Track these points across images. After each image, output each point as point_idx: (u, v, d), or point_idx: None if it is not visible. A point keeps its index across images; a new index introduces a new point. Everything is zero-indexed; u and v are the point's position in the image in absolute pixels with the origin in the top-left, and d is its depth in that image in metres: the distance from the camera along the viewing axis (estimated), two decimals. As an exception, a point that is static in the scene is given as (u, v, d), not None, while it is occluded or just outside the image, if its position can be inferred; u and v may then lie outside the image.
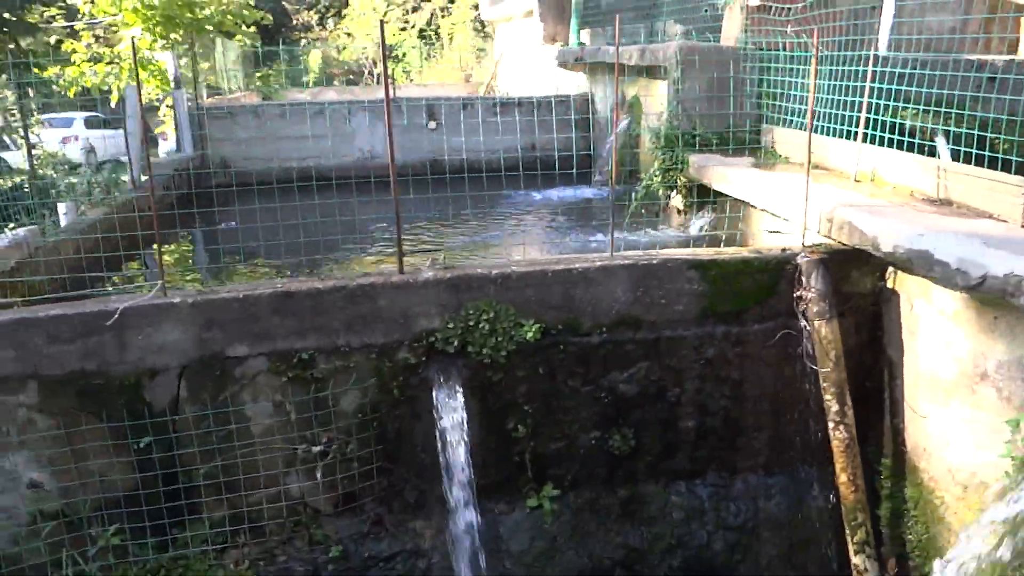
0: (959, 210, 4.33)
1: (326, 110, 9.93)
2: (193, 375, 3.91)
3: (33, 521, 3.92)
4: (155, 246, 4.09)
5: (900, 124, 4.96)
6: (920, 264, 3.71)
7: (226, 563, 4.06)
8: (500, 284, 4.08)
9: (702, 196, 6.35)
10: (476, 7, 18.62)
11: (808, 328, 4.28)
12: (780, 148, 6.17)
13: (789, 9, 6.41)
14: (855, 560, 4.28)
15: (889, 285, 4.35)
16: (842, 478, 4.27)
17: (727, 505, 4.50)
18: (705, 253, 4.35)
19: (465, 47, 19.09)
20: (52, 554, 3.91)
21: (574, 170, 8.14)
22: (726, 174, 5.62)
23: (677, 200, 6.69)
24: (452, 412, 3.99)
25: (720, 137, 6.47)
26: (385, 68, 4.19)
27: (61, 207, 5.97)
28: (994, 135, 4.41)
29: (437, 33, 20.86)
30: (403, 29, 21.85)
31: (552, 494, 4.30)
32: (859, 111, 5.07)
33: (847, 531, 4.30)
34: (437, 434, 4.03)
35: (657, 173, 6.55)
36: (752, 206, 5.47)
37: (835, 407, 4.25)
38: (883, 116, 5.04)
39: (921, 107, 4.90)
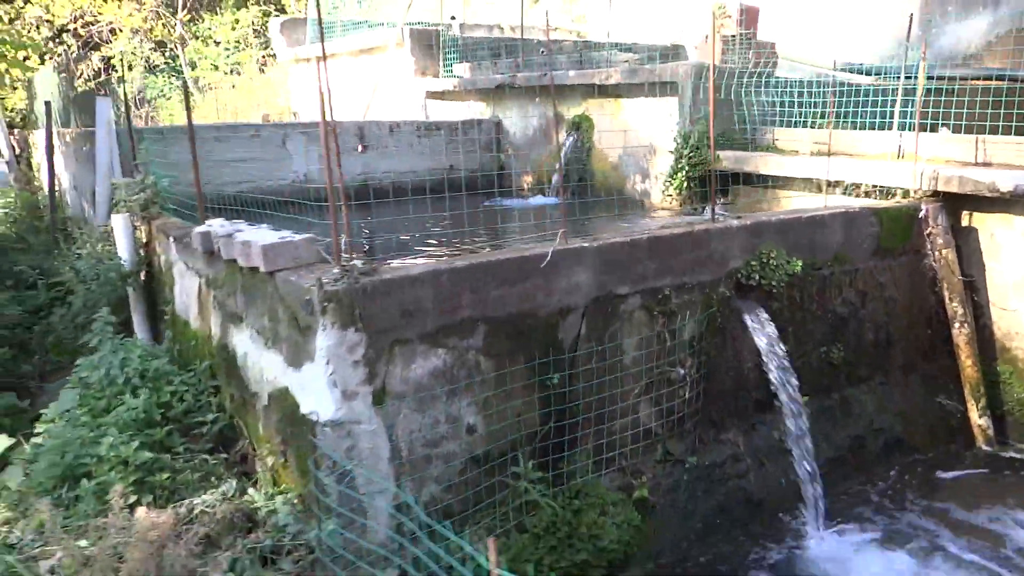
0: (1007, 166, 6.21)
1: (262, 133, 9.68)
2: (592, 313, 4.35)
3: (464, 467, 4.03)
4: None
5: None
6: (1039, 195, 5.47)
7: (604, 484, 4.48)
8: (776, 229, 5.09)
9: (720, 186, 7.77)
10: (265, 47, 18.44)
11: (935, 255, 5.89)
12: (782, 144, 7.83)
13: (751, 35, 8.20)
14: (979, 421, 5.93)
15: (964, 224, 6.12)
16: (967, 363, 5.91)
17: (890, 399, 5.89)
18: (874, 204, 5.77)
19: (263, 86, 18.72)
20: (478, 499, 4.04)
21: (497, 189, 9.00)
22: (781, 162, 7.10)
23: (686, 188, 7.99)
24: (765, 331, 4.89)
25: (725, 139, 7.96)
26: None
27: None
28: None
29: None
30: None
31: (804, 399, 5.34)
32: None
33: (970, 402, 5.94)
34: (753, 353, 4.89)
35: (684, 168, 7.83)
36: (776, 187, 7.05)
37: (960, 311, 5.89)
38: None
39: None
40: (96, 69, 19.98)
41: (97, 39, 23.41)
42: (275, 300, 4.01)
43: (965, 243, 6.09)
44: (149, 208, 6.37)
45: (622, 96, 9.06)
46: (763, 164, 7.26)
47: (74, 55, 18.99)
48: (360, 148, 10.36)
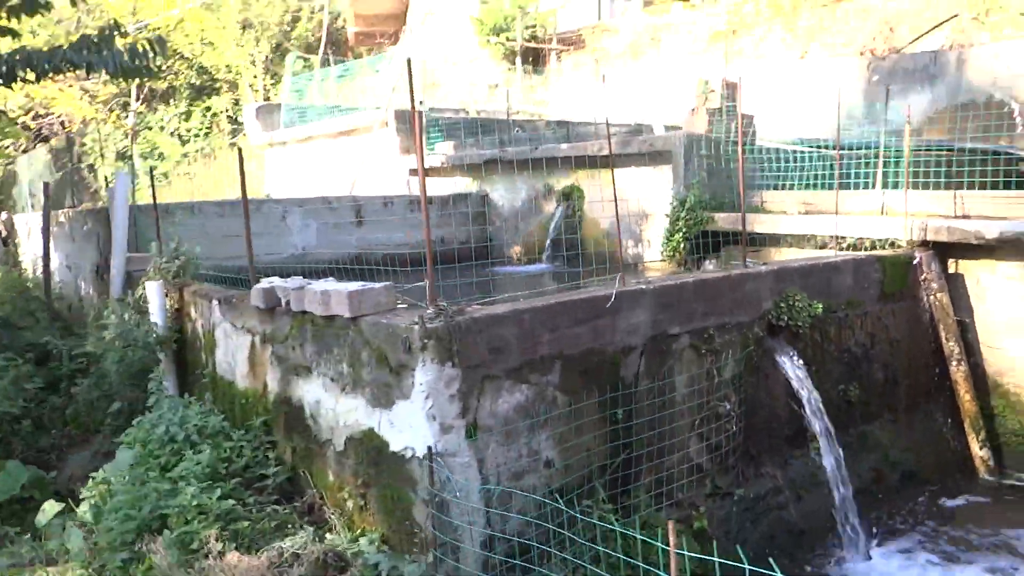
0: (988, 217, 6.77)
1: (263, 208, 9.91)
2: (649, 351, 4.65)
3: (543, 500, 4.21)
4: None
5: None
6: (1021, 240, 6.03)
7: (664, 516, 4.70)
8: (798, 275, 5.52)
9: (710, 247, 8.26)
10: (233, 134, 18.80)
11: (931, 299, 6.38)
12: (770, 206, 8.38)
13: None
14: (979, 453, 6.34)
15: (952, 271, 6.66)
16: (965, 398, 6.36)
17: (901, 434, 6.27)
18: (877, 253, 6.27)
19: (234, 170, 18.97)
20: (557, 532, 4.21)
21: (490, 259, 9.39)
22: (777, 221, 7.63)
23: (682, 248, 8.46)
24: (797, 370, 5.25)
25: (716, 202, 8.49)
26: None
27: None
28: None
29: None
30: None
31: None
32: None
33: (970, 435, 6.35)
34: (785, 390, 5.23)
35: (681, 229, 8.31)
36: (767, 244, 7.57)
37: (956, 350, 6.37)
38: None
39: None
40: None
41: (47, 131, 23.51)
42: (358, 344, 4.21)
43: (954, 288, 6.61)
44: (180, 276, 6.50)
45: (611, 167, 9.56)
46: (759, 223, 7.76)
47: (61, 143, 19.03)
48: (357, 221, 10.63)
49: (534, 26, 24.11)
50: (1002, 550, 5.25)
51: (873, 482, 5.84)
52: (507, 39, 23.58)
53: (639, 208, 9.27)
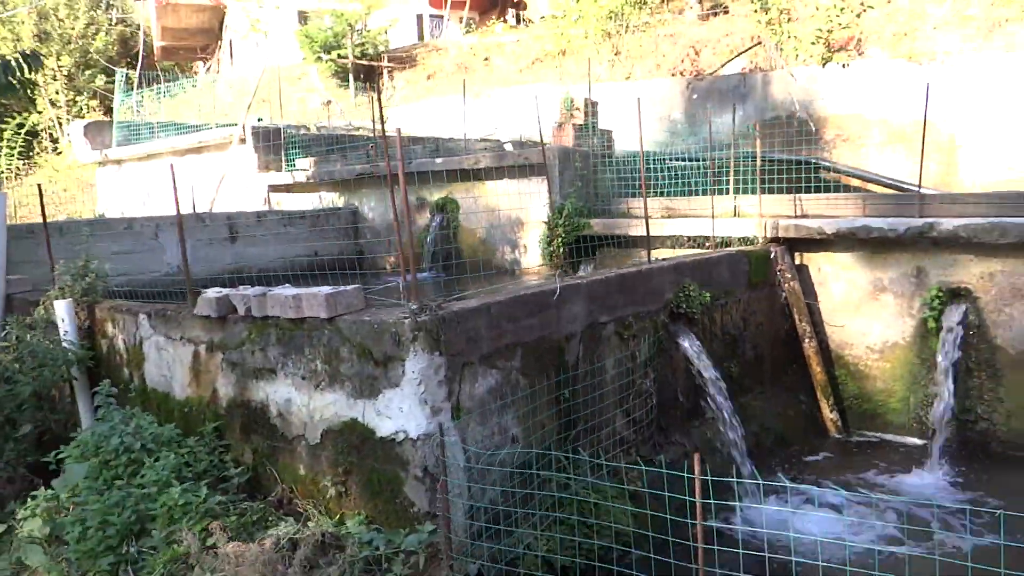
0: (822, 216, 8.00)
1: (134, 226, 9.65)
2: (586, 338, 5.29)
3: (510, 474, 4.72)
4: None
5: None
6: (855, 233, 7.24)
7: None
8: (691, 268, 6.37)
9: (584, 251, 9.10)
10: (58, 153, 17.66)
11: (785, 286, 7.50)
12: (635, 211, 9.31)
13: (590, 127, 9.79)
14: (830, 416, 7.51)
15: (799, 261, 7.83)
16: (816, 370, 7.51)
17: (769, 403, 7.31)
18: (743, 248, 7.28)
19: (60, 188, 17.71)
20: (525, 500, 4.74)
21: (361, 271, 9.77)
22: (655, 225, 8.53)
23: (560, 253, 9.23)
24: (696, 349, 6.09)
25: (587, 209, 9.32)
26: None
27: None
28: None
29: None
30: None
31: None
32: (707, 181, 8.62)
33: (821, 400, 7.52)
34: (687, 368, 6.06)
35: (560, 235, 9.06)
36: (635, 246, 8.51)
37: (808, 329, 7.51)
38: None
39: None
40: None
41: None
42: (336, 342, 4.53)
43: (802, 276, 7.78)
44: (89, 295, 6.39)
45: (486, 179, 10.20)
46: (630, 227, 8.66)
47: None
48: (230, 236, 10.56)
49: (364, 44, 24.38)
50: (846, 487, 6.34)
51: (755, 445, 6.79)
52: (339, 56, 23.70)
53: (516, 217, 9.95)
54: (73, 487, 4.85)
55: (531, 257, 9.80)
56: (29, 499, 5.05)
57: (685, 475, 3.36)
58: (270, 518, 4.61)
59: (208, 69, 33.41)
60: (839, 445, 7.47)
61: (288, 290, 4.83)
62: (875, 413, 7.52)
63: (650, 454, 5.77)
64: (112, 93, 22.66)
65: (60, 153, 21.05)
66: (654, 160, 10.48)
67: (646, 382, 5.71)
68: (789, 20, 16.13)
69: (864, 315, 7.48)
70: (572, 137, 9.71)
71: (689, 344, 6.07)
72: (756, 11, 16.33)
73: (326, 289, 4.64)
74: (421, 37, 30.21)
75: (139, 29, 28.92)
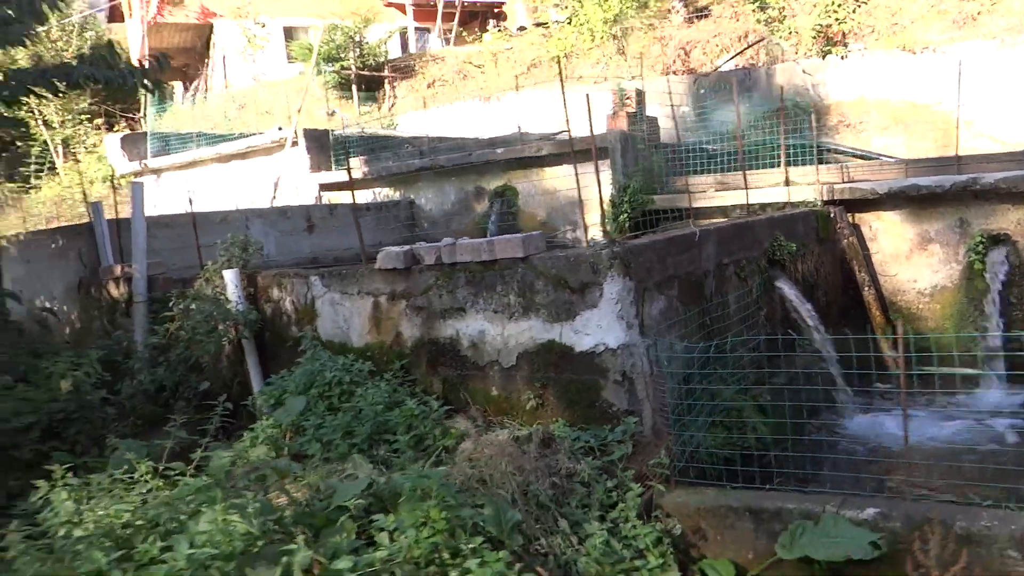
0: (871, 179, 9.04)
1: (229, 218, 10.36)
2: (716, 275, 6.21)
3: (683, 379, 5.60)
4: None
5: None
6: (905, 191, 8.28)
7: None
8: (780, 222, 7.34)
9: (646, 224, 10.04)
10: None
11: (845, 242, 8.51)
12: (692, 188, 10.28)
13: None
14: (889, 352, 8.52)
15: (851, 221, 8.85)
16: (876, 313, 8.52)
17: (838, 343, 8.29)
18: (812, 208, 8.28)
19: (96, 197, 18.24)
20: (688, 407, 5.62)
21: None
22: (713, 196, 9.52)
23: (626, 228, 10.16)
24: (793, 289, 7.05)
25: (648, 188, 10.27)
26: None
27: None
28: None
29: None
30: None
31: (804, 341, 7.52)
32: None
33: (881, 340, 8.52)
34: (780, 305, 7.01)
35: (626, 211, 9.99)
36: (697, 217, 9.48)
37: (866, 279, 8.52)
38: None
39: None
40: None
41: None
42: (530, 277, 5.38)
43: (856, 233, 8.80)
44: (249, 264, 7.16)
45: (545, 166, 11.10)
46: (691, 200, 9.61)
47: None
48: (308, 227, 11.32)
49: (365, 55, 25.18)
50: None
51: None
52: (341, 67, 24.45)
53: (575, 198, 10.85)
54: (296, 416, 5.63)
55: (592, 234, 10.70)
56: (246, 432, 5.80)
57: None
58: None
59: (193, 87, 33.83)
60: (896, 379, 8.46)
61: (477, 240, 5.68)
62: (929, 349, 8.53)
63: (762, 379, 6.69)
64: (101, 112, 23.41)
65: (79, 162, 21.59)
66: (682, 147, 11.53)
67: (760, 315, 6.64)
68: (785, 18, 17.30)
69: (914, 264, 8.51)
70: (626, 124, 10.66)
71: (785, 285, 7.02)
72: (754, 10, 17.46)
73: (517, 235, 5.50)
74: (405, 49, 31.06)
75: (116, 50, 29.30)
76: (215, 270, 7.13)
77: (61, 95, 8.37)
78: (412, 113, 22.74)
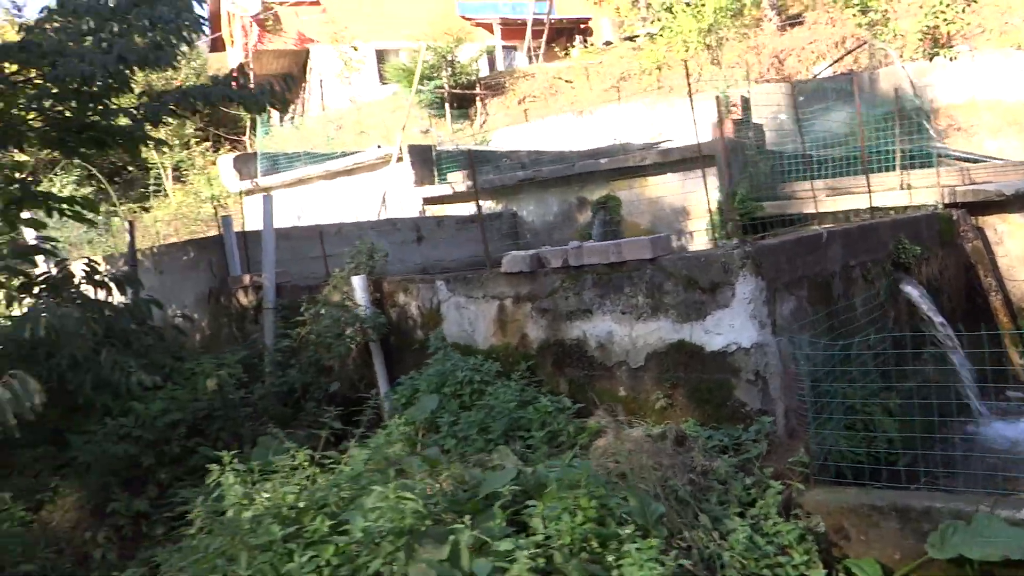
0: (993, 181, 8.76)
1: (343, 230, 10.76)
2: (843, 277, 6.16)
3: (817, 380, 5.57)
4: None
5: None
6: (1033, 194, 8.01)
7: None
8: (903, 225, 7.21)
9: (755, 230, 9.96)
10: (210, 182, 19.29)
11: (969, 246, 8.27)
12: (800, 195, 10.17)
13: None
14: (1019, 361, 8.22)
15: (973, 223, 8.60)
16: (1003, 320, 8.24)
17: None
18: (936, 212, 8.09)
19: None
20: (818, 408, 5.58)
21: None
22: (824, 202, 9.40)
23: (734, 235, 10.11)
24: (918, 293, 6.91)
25: (754, 195, 10.21)
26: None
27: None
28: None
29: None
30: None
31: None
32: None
33: (1010, 348, 8.23)
34: (906, 308, 6.88)
35: (736, 218, 9.95)
36: (801, 224, 9.35)
37: (993, 283, 8.26)
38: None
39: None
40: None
41: None
42: (659, 278, 5.46)
43: (979, 237, 8.55)
44: (375, 270, 7.46)
45: (648, 175, 11.16)
46: (802, 207, 9.52)
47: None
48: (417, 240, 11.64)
49: (457, 74, 25.70)
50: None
51: (961, 382, 7.54)
52: (436, 87, 25.01)
53: (681, 206, 10.89)
54: (429, 414, 5.84)
55: (698, 242, 10.69)
56: (380, 429, 6.04)
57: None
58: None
59: (291, 110, 35.11)
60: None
61: (603, 243, 5.80)
62: (1061, 356, 8.21)
63: (895, 380, 6.57)
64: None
65: (186, 184, 22.80)
66: (791, 153, 11.40)
67: (887, 320, 6.54)
68: (888, 20, 16.90)
69: (1044, 267, 8.22)
70: (732, 131, 10.63)
71: (911, 288, 6.89)
72: (855, 15, 17.13)
73: (644, 238, 5.60)
74: (492, 67, 31.54)
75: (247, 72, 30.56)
76: (343, 277, 7.45)
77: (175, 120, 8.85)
78: (504, 129, 23.08)
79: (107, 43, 7.33)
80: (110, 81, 7.35)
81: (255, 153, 18.47)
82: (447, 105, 24.95)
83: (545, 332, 6.17)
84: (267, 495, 4.24)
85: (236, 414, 6.96)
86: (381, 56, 31.02)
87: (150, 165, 21.93)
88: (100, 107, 7.79)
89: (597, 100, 21.97)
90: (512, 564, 3.41)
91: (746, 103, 11.17)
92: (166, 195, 22.90)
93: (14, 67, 7.51)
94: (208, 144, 26.96)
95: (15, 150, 7.60)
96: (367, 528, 3.46)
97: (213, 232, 18.22)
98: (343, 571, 3.62)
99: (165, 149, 24.36)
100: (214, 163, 23.85)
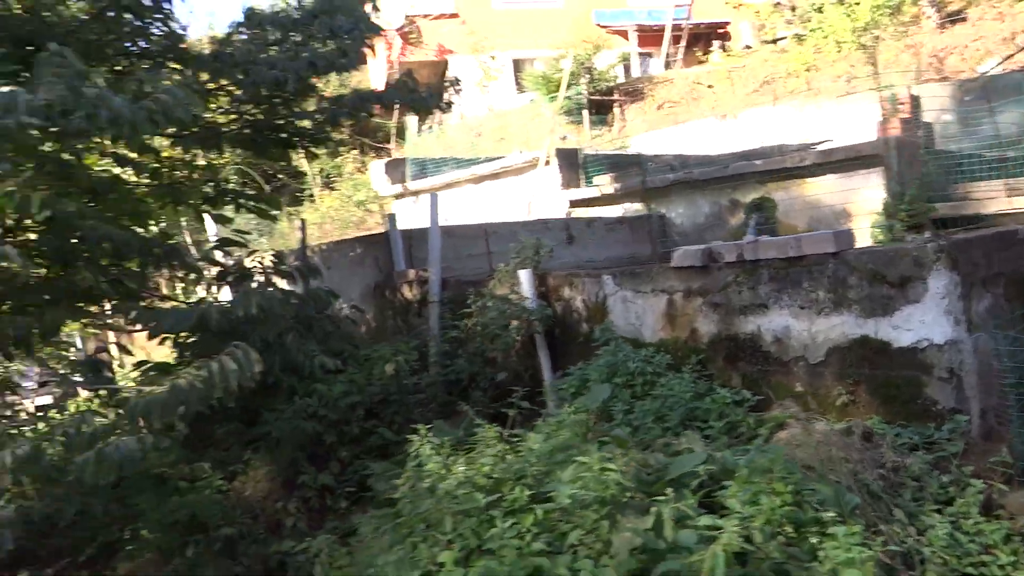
0: None
1: (496, 229, 11.08)
2: None
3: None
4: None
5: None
6: None
7: None
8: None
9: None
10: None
11: None
12: (975, 195, 9.69)
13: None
14: None
15: None
16: None
17: None
18: None
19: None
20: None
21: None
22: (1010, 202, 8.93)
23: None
24: None
25: (924, 196, 9.79)
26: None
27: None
28: None
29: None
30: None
31: None
32: None
33: None
34: None
35: (904, 220, 9.58)
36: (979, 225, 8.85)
37: None
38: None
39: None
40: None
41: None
42: (842, 272, 5.37)
43: None
44: (540, 265, 7.66)
45: (806, 176, 10.89)
46: (980, 207, 9.06)
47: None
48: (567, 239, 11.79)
49: (595, 81, 25.79)
50: None
51: None
52: (575, 93, 25.17)
53: (841, 208, 10.58)
54: (601, 403, 5.95)
55: (861, 242, 10.33)
56: (551, 417, 6.20)
57: None
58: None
59: (432, 118, 36.12)
60: None
61: (778, 238, 5.75)
62: None
63: None
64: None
65: (334, 190, 23.97)
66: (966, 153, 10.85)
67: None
68: (1068, 13, 15.79)
69: None
70: (900, 130, 10.25)
71: None
72: (1029, 9, 16.10)
73: (826, 231, 5.52)
74: (628, 74, 31.43)
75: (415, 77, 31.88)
76: (509, 271, 7.69)
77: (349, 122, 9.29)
78: (644, 134, 23.01)
79: (291, 52, 7.87)
80: (298, 86, 7.89)
81: (404, 159, 19.21)
82: (585, 112, 25.12)
83: (716, 326, 6.17)
84: (462, 468, 4.47)
85: (408, 400, 7.31)
86: (518, 65, 31.58)
87: (302, 171, 23.16)
88: (287, 111, 8.37)
89: (740, 104, 21.56)
90: (714, 539, 3.47)
91: (916, 101, 10.73)
92: (312, 200, 24.10)
93: (205, 76, 8.18)
94: (356, 151, 28.25)
95: (214, 151, 8.25)
96: (574, 495, 3.59)
97: (362, 233, 19.13)
98: (543, 538, 3.78)
99: (321, 153, 25.73)
100: (360, 169, 24.97)
